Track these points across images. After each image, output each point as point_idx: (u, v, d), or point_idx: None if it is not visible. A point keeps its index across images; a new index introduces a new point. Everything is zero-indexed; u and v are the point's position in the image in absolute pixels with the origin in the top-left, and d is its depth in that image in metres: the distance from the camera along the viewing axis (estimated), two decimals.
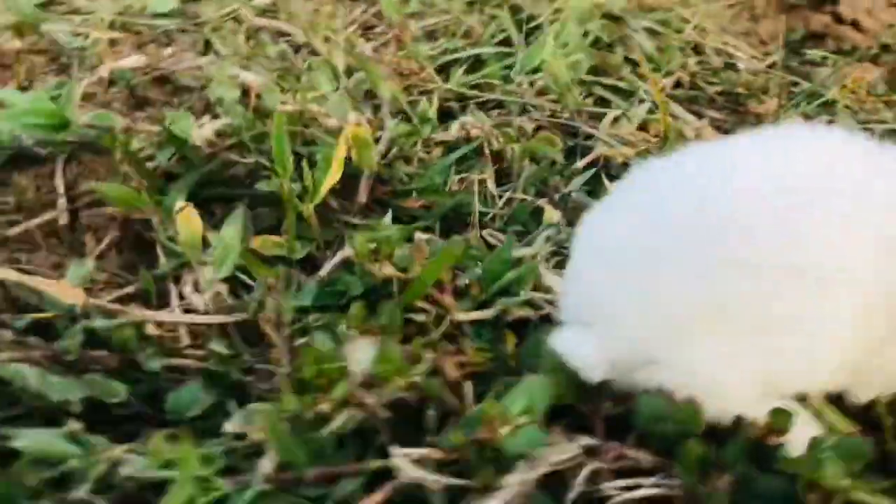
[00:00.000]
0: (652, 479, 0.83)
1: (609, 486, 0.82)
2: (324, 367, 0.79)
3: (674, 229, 0.85)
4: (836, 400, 0.89)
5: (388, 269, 0.98)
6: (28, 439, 0.72)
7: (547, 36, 1.68)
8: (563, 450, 0.77)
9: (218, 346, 0.88)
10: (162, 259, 1.02)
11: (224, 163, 1.13)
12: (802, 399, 0.90)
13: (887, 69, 1.99)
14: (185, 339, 0.88)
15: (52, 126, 0.96)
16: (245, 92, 1.26)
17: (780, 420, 0.84)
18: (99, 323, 0.82)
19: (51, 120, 0.96)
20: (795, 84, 1.88)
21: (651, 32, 1.87)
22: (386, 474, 0.75)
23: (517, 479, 0.75)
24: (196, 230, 1.01)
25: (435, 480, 0.73)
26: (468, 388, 0.84)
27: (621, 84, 1.61)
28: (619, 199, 0.91)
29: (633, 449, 0.86)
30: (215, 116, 1.17)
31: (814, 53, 2.13)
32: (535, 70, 1.61)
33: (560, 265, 1.11)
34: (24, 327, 0.83)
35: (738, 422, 0.83)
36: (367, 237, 1.00)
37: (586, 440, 0.88)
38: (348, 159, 1.16)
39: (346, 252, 1.04)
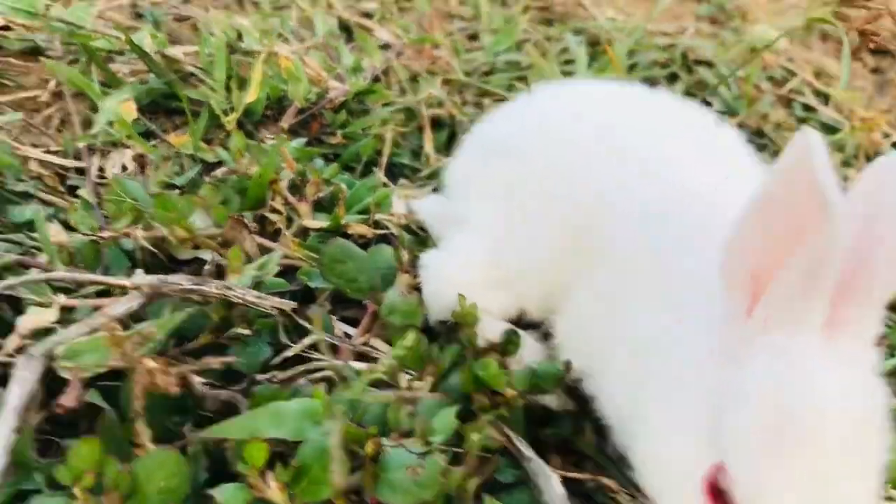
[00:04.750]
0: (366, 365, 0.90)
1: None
2: (120, 199, 0.95)
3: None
4: None
5: (252, 169, 1.12)
6: None
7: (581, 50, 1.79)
8: (274, 301, 0.86)
9: (84, 193, 1.06)
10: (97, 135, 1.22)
11: (182, 80, 1.33)
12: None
13: None
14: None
15: (25, 12, 1.21)
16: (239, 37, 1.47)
17: (510, 342, 0.88)
18: None
19: (23, 6, 1.21)
20: None
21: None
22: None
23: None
24: (127, 118, 1.20)
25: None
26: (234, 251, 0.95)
27: None
28: None
29: (374, 337, 0.94)
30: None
31: None
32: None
33: None
34: None
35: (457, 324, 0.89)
36: (243, 143, 1.14)
37: (345, 327, 0.98)
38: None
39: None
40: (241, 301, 0.81)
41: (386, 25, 2.06)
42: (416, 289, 0.99)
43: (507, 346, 0.87)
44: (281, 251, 0.94)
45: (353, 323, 1.01)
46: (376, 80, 1.59)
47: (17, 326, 0.76)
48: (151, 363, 0.68)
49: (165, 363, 0.71)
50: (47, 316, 0.78)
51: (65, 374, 0.65)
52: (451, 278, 0.92)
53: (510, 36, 1.55)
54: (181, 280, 0.77)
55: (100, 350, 0.67)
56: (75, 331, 0.68)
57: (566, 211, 0.82)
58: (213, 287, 0.79)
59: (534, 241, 0.85)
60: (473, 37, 2.16)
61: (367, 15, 2.14)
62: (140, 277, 0.75)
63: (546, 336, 0.94)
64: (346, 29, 1.95)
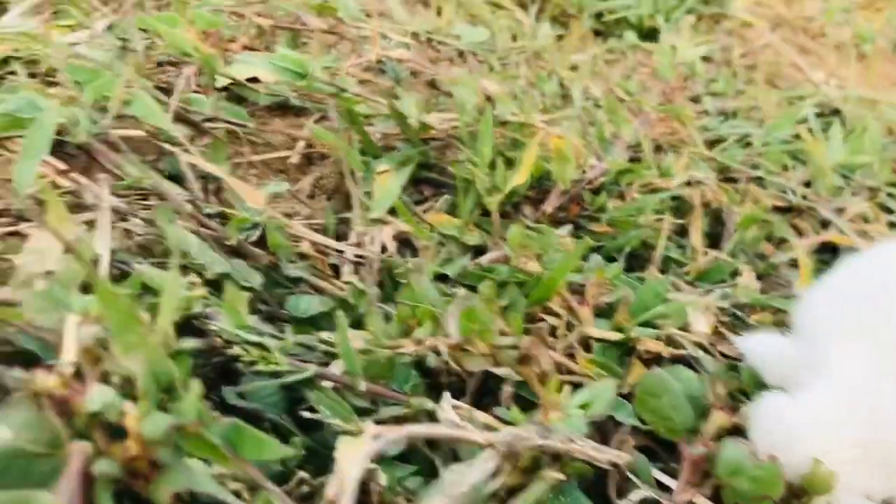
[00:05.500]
0: None
1: None
2: (416, 307, 0.84)
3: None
4: None
5: (532, 265, 1.00)
6: None
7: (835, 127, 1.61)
8: (611, 454, 0.73)
9: (353, 279, 0.97)
10: (355, 210, 1.12)
11: (440, 149, 1.23)
12: None
13: None
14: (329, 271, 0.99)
15: (293, 72, 1.14)
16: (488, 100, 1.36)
17: None
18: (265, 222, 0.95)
19: (292, 66, 1.14)
20: None
21: None
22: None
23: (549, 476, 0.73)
24: (390, 193, 1.11)
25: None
26: (553, 382, 0.82)
27: None
28: None
29: (704, 499, 0.80)
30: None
31: None
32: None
33: (735, 327, 1.06)
34: (212, 213, 0.98)
35: None
36: (522, 232, 1.03)
37: (660, 475, 0.84)
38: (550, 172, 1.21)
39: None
40: (581, 456, 0.69)
41: (595, 80, 1.93)
42: (737, 433, 0.85)
43: None
44: (610, 385, 0.81)
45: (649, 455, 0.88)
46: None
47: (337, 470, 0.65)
48: None
49: None
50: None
51: None
52: (799, 433, 0.77)
53: (790, 121, 1.40)
54: (532, 434, 0.65)
55: None
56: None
57: None
58: (558, 441, 0.67)
59: None
60: (694, 99, 2.01)
61: (574, 68, 2.01)
62: (495, 434, 0.63)
63: None
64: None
